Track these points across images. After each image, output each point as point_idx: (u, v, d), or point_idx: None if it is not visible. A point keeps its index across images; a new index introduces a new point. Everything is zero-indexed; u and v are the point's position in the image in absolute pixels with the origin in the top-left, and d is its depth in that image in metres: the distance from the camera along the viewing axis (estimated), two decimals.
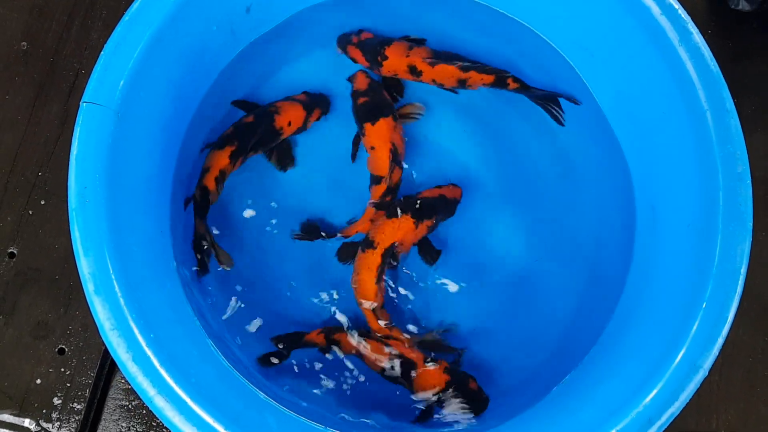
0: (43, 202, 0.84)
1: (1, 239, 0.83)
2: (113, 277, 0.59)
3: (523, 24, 0.81)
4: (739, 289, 0.61)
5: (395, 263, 0.78)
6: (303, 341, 0.75)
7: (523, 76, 0.81)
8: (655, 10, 0.66)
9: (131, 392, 0.81)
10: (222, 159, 0.76)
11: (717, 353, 0.60)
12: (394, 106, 0.81)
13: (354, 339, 0.74)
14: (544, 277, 0.79)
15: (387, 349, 0.73)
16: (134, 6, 0.65)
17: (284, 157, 0.81)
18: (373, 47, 0.80)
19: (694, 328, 0.60)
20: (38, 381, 0.79)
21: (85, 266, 0.59)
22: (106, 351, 0.81)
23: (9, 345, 0.80)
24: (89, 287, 0.59)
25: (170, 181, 0.74)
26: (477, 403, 0.71)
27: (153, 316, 0.61)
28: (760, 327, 0.84)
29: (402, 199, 0.78)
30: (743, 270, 0.61)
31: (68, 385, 0.79)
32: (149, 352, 0.58)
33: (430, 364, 0.72)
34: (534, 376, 0.73)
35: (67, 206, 0.82)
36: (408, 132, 0.82)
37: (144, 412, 0.80)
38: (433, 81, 0.79)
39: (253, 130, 0.77)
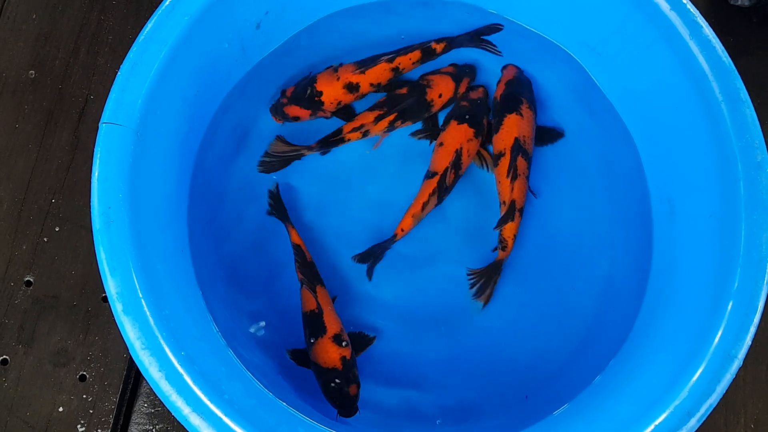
0: (57, 229, 0.84)
1: (18, 267, 0.82)
2: (141, 296, 0.59)
3: (530, 29, 0.82)
4: (767, 277, 0.61)
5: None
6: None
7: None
8: (664, 6, 0.67)
9: (154, 416, 0.80)
10: (367, 119, 0.78)
11: (750, 343, 0.60)
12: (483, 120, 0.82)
13: None
14: (564, 277, 0.79)
15: None
16: (149, 25, 0.65)
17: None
18: (304, 93, 0.79)
19: (725, 318, 0.60)
20: (60, 409, 0.78)
21: (112, 287, 0.59)
22: (128, 376, 0.80)
23: (29, 374, 0.79)
24: (118, 308, 0.58)
25: (186, 198, 0.74)
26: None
27: (181, 334, 0.60)
28: None
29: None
30: None
31: (91, 411, 0.78)
32: (182, 371, 0.58)
33: None
34: (563, 375, 0.73)
35: (81, 232, 0.83)
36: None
37: None
38: (372, 86, 0.80)
39: (404, 101, 0.79)
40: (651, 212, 0.75)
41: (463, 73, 0.83)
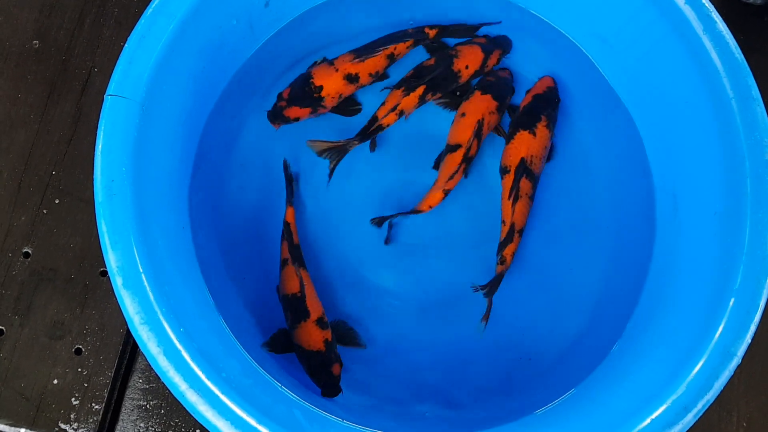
0: (57, 201, 0.83)
1: (16, 239, 0.82)
2: (141, 270, 0.58)
3: (539, 17, 0.81)
4: None
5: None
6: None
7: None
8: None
9: (149, 392, 0.80)
10: (397, 97, 0.78)
11: (750, 341, 0.60)
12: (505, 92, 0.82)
13: None
14: (565, 268, 0.79)
15: None
16: None
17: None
18: (302, 91, 0.77)
19: (726, 315, 0.60)
20: (55, 381, 0.78)
21: (113, 260, 0.58)
22: (123, 350, 0.80)
23: (25, 346, 0.79)
24: (118, 281, 0.58)
25: (189, 176, 0.73)
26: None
27: (181, 310, 0.60)
28: None
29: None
30: None
31: (86, 385, 0.78)
32: (180, 347, 0.57)
33: None
34: (560, 367, 0.73)
35: (81, 205, 0.82)
36: (425, 129, 0.82)
37: (162, 412, 0.79)
38: (371, 76, 0.79)
39: (431, 72, 0.78)
40: (655, 206, 0.75)
41: (495, 45, 0.82)
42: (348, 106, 0.81)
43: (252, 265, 0.78)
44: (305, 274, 0.75)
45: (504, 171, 0.77)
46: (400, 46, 0.79)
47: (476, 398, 0.75)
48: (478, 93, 0.80)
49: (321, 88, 0.77)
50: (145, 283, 0.58)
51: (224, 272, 0.76)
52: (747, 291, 0.61)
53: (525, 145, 0.77)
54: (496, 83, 0.81)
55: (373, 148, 0.81)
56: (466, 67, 0.80)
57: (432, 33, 0.81)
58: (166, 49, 0.64)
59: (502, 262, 0.76)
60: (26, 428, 0.77)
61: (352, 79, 0.78)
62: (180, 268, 0.65)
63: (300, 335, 0.72)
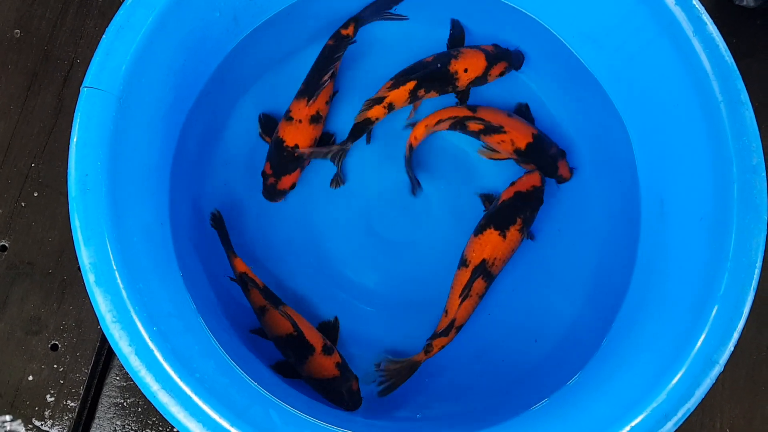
0: (36, 194, 0.82)
1: None
2: (115, 267, 0.57)
3: (529, 15, 0.80)
4: (755, 283, 0.60)
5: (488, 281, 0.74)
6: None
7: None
8: (669, 0, 0.66)
9: (126, 390, 0.78)
10: (385, 91, 0.77)
11: (732, 349, 0.59)
12: None
13: None
14: (549, 272, 0.78)
15: None
16: None
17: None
18: (281, 158, 0.76)
19: (709, 322, 0.60)
20: (30, 378, 0.77)
21: (85, 256, 0.57)
22: (101, 347, 0.78)
23: (0, 341, 0.77)
24: (90, 278, 0.57)
25: (168, 171, 0.72)
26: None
27: (155, 309, 0.59)
28: (764, 325, 0.83)
29: (483, 213, 0.77)
30: (759, 263, 0.60)
31: (61, 382, 0.77)
32: (152, 346, 0.56)
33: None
34: (542, 371, 0.72)
35: (61, 198, 0.81)
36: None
37: (139, 410, 0.78)
38: (327, 103, 0.78)
39: (424, 68, 0.77)
40: (641, 211, 0.74)
41: (502, 56, 0.79)
42: (327, 141, 0.80)
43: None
44: (290, 310, 0.73)
45: (462, 263, 0.74)
46: (336, 65, 0.77)
47: (450, 402, 0.74)
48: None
49: (296, 145, 0.76)
50: (119, 281, 0.57)
51: (205, 270, 0.74)
52: (731, 298, 0.60)
53: (491, 246, 0.73)
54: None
55: (368, 140, 0.80)
56: (465, 71, 0.77)
57: (349, 31, 0.78)
58: (145, 40, 0.63)
59: (427, 351, 0.72)
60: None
61: (316, 119, 0.77)
62: (157, 266, 0.64)
63: (310, 369, 0.70)
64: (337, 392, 0.70)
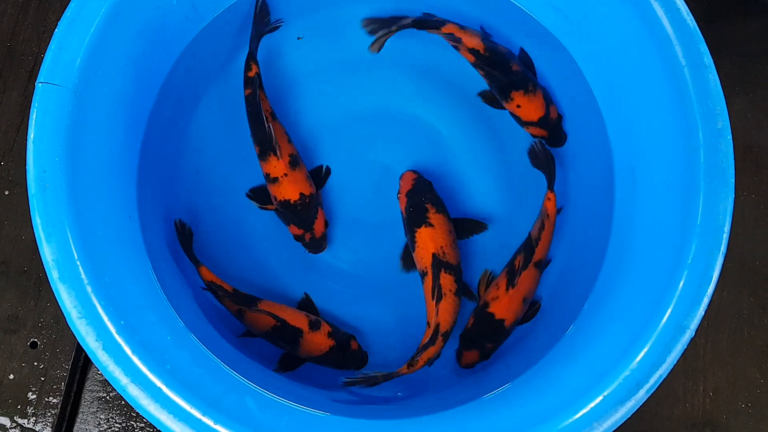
0: (7, 193, 0.81)
1: None
2: (78, 263, 0.57)
3: None
4: (723, 248, 0.60)
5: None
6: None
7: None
8: None
9: (108, 383, 0.79)
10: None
11: (703, 313, 0.59)
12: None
13: None
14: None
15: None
16: None
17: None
18: (291, 215, 0.74)
19: (679, 288, 0.59)
20: (11, 376, 0.77)
21: (48, 253, 0.57)
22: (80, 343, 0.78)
23: None
24: (53, 275, 0.56)
25: (135, 163, 0.71)
26: None
27: (123, 302, 0.59)
28: (744, 288, 0.83)
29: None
30: (727, 228, 0.60)
31: (42, 378, 0.77)
32: (120, 340, 0.56)
33: None
34: (517, 344, 0.72)
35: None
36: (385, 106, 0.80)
37: (122, 403, 0.78)
38: (290, 142, 0.76)
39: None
40: (614, 181, 0.74)
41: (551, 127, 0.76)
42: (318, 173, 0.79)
43: (209, 253, 0.77)
44: (264, 304, 0.72)
45: (423, 274, 0.72)
46: (265, 104, 0.75)
47: (441, 377, 0.74)
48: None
49: (302, 194, 0.74)
50: (83, 276, 0.57)
51: (179, 262, 0.74)
52: (700, 264, 0.59)
53: (429, 240, 0.72)
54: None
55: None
56: (518, 107, 0.76)
57: (253, 72, 0.74)
58: (98, 32, 0.62)
59: (410, 364, 0.68)
60: None
61: (295, 161, 0.74)
62: (126, 259, 0.64)
63: (306, 350, 0.71)
64: (339, 359, 0.71)
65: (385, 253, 0.78)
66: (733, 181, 0.61)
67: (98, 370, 0.78)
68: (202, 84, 0.80)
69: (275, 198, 0.75)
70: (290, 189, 0.74)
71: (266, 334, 0.72)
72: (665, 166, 0.65)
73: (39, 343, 0.78)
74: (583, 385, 0.59)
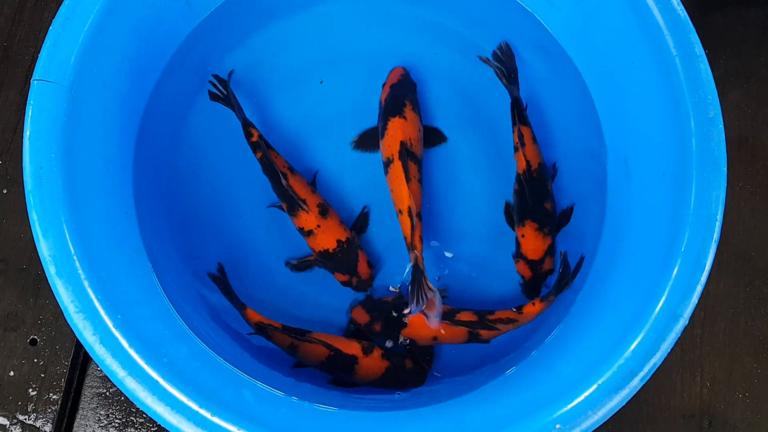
0: (5, 191, 0.82)
1: None
2: (75, 258, 0.58)
3: None
4: (716, 236, 0.60)
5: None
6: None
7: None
8: None
9: (108, 379, 0.79)
10: None
11: (696, 302, 0.59)
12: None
13: None
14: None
15: None
16: None
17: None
18: (343, 262, 0.74)
19: (673, 277, 0.60)
20: (11, 373, 0.77)
21: (44, 248, 0.57)
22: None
23: None
24: (50, 270, 0.57)
25: (131, 159, 0.72)
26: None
27: (120, 296, 0.59)
28: (740, 278, 0.83)
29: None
30: (719, 216, 0.60)
31: (42, 375, 0.77)
32: (117, 334, 0.57)
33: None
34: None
35: None
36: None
37: (122, 398, 0.79)
38: (312, 191, 0.76)
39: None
40: (607, 172, 0.74)
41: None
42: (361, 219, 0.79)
43: (205, 249, 0.77)
44: (315, 334, 0.71)
45: (388, 162, 0.74)
46: (278, 161, 0.75)
47: (437, 368, 0.74)
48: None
49: (338, 240, 0.74)
50: (80, 271, 0.57)
51: (175, 256, 0.75)
52: (693, 252, 0.60)
53: (400, 129, 0.74)
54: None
55: None
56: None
57: (255, 137, 0.75)
58: (93, 30, 0.63)
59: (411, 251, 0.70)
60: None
61: (324, 210, 0.74)
62: (122, 255, 0.64)
63: (362, 376, 0.71)
64: (399, 380, 0.71)
65: (386, 253, 0.78)
66: (726, 169, 0.61)
67: (98, 367, 0.79)
68: (198, 80, 0.80)
69: (314, 250, 0.75)
70: (326, 239, 0.73)
71: (320, 365, 0.71)
72: (657, 155, 0.65)
73: (39, 340, 0.78)
74: (578, 374, 0.59)
